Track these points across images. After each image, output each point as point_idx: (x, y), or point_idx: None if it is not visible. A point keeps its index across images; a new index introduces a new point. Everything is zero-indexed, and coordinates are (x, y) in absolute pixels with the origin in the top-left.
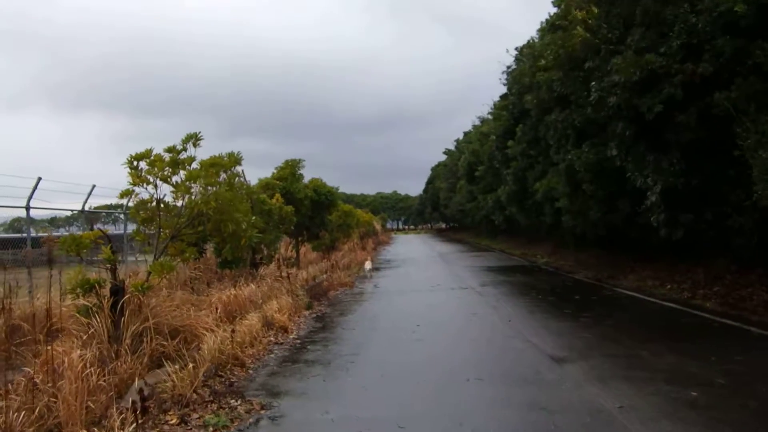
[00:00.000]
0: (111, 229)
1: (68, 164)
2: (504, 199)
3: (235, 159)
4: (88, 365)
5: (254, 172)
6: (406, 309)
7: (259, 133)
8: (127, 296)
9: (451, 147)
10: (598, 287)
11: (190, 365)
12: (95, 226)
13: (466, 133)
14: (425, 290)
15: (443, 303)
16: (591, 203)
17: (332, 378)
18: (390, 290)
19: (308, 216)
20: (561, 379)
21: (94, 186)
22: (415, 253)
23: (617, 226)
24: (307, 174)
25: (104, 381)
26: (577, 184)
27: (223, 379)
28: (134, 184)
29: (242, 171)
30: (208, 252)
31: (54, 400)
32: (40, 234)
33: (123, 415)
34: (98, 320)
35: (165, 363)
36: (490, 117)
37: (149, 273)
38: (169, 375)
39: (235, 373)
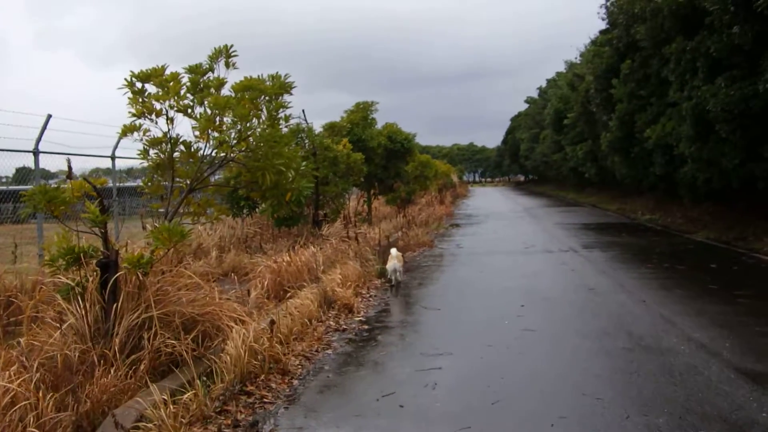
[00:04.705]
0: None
1: None
2: (605, 147)
3: (281, 83)
4: (31, 393)
5: None
6: (501, 279)
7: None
8: (121, 272)
9: (534, 95)
10: (732, 252)
11: (192, 390)
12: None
13: (549, 81)
14: (518, 252)
15: (545, 271)
16: (726, 149)
17: (414, 401)
18: (476, 251)
19: (381, 166)
20: None
21: None
22: (497, 207)
23: (756, 178)
24: (380, 124)
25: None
26: (707, 127)
27: (251, 401)
28: (137, 116)
29: (303, 111)
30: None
31: None
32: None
33: None
34: (79, 307)
35: (152, 386)
36: (579, 62)
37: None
38: (156, 407)
39: (272, 385)
